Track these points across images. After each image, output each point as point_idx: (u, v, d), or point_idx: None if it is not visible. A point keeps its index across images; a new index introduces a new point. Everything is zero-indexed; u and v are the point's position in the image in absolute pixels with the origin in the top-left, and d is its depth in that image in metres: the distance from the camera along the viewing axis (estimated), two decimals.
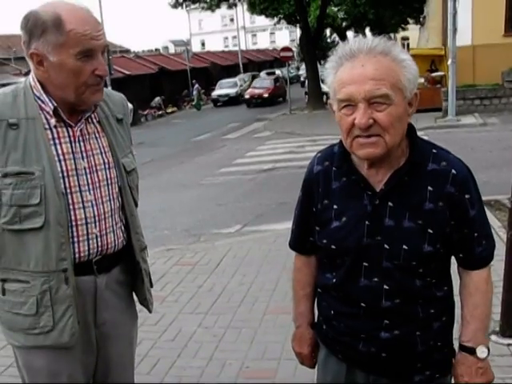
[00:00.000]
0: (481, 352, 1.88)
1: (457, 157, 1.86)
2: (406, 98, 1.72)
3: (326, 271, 1.98)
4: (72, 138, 2.12)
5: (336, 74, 1.73)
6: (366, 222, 1.81)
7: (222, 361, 4.06)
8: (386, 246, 1.80)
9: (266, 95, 34.36)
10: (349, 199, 1.86)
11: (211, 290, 5.50)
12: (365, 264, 1.84)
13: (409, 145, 1.83)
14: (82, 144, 2.14)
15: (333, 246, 1.89)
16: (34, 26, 1.97)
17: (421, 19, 38.05)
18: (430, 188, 1.78)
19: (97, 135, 2.20)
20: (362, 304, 1.86)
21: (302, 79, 43.12)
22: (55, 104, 2.07)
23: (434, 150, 1.84)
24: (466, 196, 1.79)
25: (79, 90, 2.03)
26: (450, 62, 18.12)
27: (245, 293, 5.32)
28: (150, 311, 2.49)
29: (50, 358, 2.16)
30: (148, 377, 3.89)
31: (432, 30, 28.72)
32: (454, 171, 1.79)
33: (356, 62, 1.69)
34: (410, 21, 43.47)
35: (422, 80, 21.29)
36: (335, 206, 1.89)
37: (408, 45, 57.34)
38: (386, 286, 1.82)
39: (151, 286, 2.50)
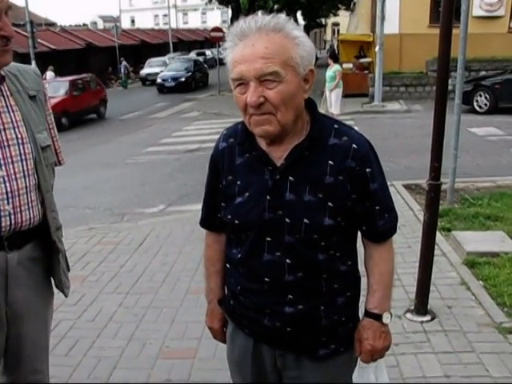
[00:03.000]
0: (386, 318, 1.95)
1: (359, 132, 1.90)
2: (299, 74, 1.73)
3: (232, 247, 2.00)
4: None
5: (231, 54, 1.74)
6: (268, 197, 1.82)
7: (143, 341, 4.04)
8: (287, 219, 1.81)
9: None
10: (251, 175, 1.87)
11: (133, 269, 5.44)
12: (267, 239, 1.85)
13: (310, 120, 1.86)
14: None
15: (236, 222, 1.91)
16: None
17: (351, 6, 38.54)
18: (330, 162, 1.80)
19: (9, 109, 2.13)
20: (266, 279, 1.88)
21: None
22: None
23: (336, 126, 1.86)
24: (367, 170, 1.82)
25: None
26: (377, 48, 18.52)
27: (167, 273, 5.29)
28: (65, 295, 2.42)
29: None
30: (66, 358, 3.81)
31: (361, 17, 29.19)
32: (354, 146, 1.81)
33: (247, 41, 1.69)
34: (341, 7, 44.06)
35: (351, 65, 21.67)
36: (239, 182, 1.90)
37: (338, 30, 58.21)
38: (288, 260, 1.84)
39: (68, 269, 2.44)
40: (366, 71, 21.24)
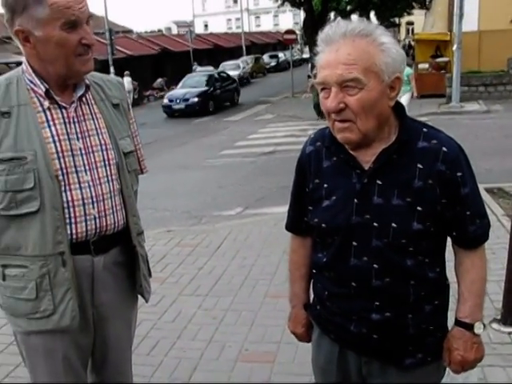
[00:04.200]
0: (478, 328, 1.89)
1: (448, 135, 1.85)
2: (383, 81, 1.71)
3: (318, 251, 1.99)
4: (66, 120, 2.12)
5: (318, 59, 1.76)
6: (355, 201, 1.81)
7: (222, 343, 4.06)
8: (374, 223, 1.80)
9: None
10: (339, 178, 1.87)
11: (211, 272, 5.49)
12: (354, 243, 1.84)
13: (398, 125, 1.83)
14: (77, 125, 2.14)
15: (323, 225, 1.90)
16: (15, 2, 1.97)
17: (426, 4, 37.73)
18: (419, 166, 1.77)
19: (93, 116, 2.20)
20: (353, 283, 1.86)
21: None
22: (47, 86, 2.07)
23: (425, 129, 1.83)
24: (458, 174, 1.78)
25: (68, 61, 2.02)
26: (455, 47, 18.01)
27: (245, 276, 5.31)
28: (145, 300, 2.45)
29: (46, 337, 2.16)
30: (148, 358, 3.89)
31: (438, 15, 28.51)
32: (444, 149, 1.78)
33: (332, 47, 1.70)
34: (416, 5, 43.19)
35: (427, 66, 21.22)
36: (326, 185, 1.90)
37: (413, 30, 57.11)
38: (375, 265, 1.82)
39: (150, 274, 2.47)
40: (443, 71, 20.73)
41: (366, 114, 1.70)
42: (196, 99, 23.89)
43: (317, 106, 16.60)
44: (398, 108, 1.84)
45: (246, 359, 3.84)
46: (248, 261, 5.71)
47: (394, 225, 1.77)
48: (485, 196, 7.23)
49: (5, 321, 4.10)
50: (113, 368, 2.41)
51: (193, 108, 23.62)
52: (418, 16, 48.84)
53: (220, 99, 25.54)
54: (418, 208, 1.77)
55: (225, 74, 28.86)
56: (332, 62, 1.69)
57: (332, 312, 1.97)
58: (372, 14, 41.90)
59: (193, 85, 25.45)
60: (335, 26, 1.73)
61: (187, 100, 23.81)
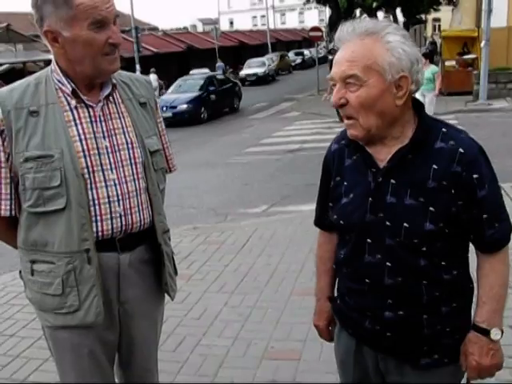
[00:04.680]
0: (495, 334, 1.85)
1: (469, 136, 1.84)
2: (386, 80, 1.73)
3: (339, 247, 2.04)
4: (93, 118, 2.14)
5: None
6: (370, 199, 1.84)
7: (248, 340, 4.08)
8: (387, 222, 1.81)
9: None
10: (357, 176, 1.90)
11: (237, 269, 5.51)
12: (368, 240, 1.87)
13: (417, 124, 1.85)
14: (103, 124, 2.16)
15: (341, 222, 1.95)
16: (44, 3, 2.00)
17: (454, 0, 37.34)
18: (434, 166, 1.77)
19: (120, 115, 2.22)
20: (367, 280, 1.90)
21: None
22: (73, 85, 2.10)
23: (444, 129, 1.83)
24: (474, 176, 1.76)
25: (95, 60, 2.05)
26: (483, 43, 17.77)
27: (271, 273, 5.32)
28: (171, 298, 2.46)
29: (72, 332, 2.20)
30: (174, 354, 3.93)
31: (465, 11, 28.15)
32: (461, 150, 1.76)
33: (344, 45, 1.78)
34: (442, 1, 42.77)
35: (454, 63, 20.98)
36: (345, 183, 1.94)
37: (439, 26, 56.55)
38: (388, 263, 1.84)
39: (175, 273, 2.49)
40: (470, 68, 20.48)
41: (365, 111, 1.75)
42: (185, 106, 20.69)
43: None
44: (418, 106, 1.86)
45: (271, 357, 3.85)
46: (274, 258, 5.71)
47: (405, 224, 1.78)
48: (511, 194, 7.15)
49: (32, 316, 4.19)
50: (139, 364, 2.43)
51: (181, 116, 20.38)
52: (444, 12, 48.34)
53: (216, 105, 22.22)
54: (431, 208, 1.76)
55: (222, 76, 25.73)
56: (339, 59, 1.77)
57: (350, 307, 2.02)
58: (398, 11, 41.60)
59: (185, 89, 22.44)
60: (347, 26, 1.78)
61: (175, 107, 20.66)
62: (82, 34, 2.00)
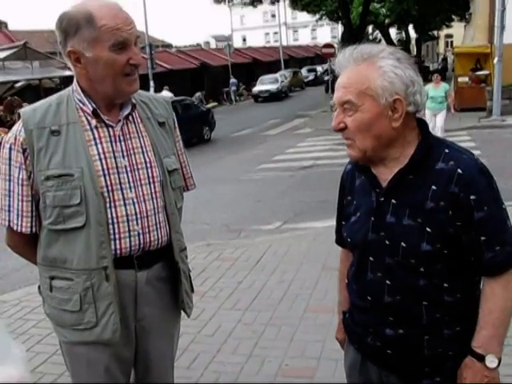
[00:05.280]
0: (490, 361, 1.80)
1: (471, 156, 1.83)
2: (381, 104, 1.77)
3: (351, 264, 2.09)
4: (113, 138, 2.18)
5: None
6: (372, 218, 1.89)
7: (262, 358, 4.07)
8: (387, 241, 1.85)
9: None
10: (363, 196, 1.96)
11: (251, 286, 5.51)
12: (371, 259, 1.92)
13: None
14: (122, 143, 2.20)
15: (349, 240, 2.02)
16: (68, 25, 2.05)
17: (466, 16, 37.39)
18: (433, 187, 1.78)
19: (139, 135, 2.26)
20: (368, 297, 1.94)
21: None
22: (94, 105, 2.15)
23: (447, 150, 1.83)
24: (472, 197, 1.74)
25: (116, 80, 2.09)
26: (496, 60, 17.80)
27: (285, 290, 5.30)
28: (187, 315, 2.47)
29: (89, 348, 2.22)
30: (188, 371, 3.92)
31: (478, 28, 28.14)
32: (459, 170, 1.76)
33: (342, 72, 1.84)
34: (455, 18, 42.82)
35: (467, 79, 20.97)
36: (355, 202, 2.00)
37: (452, 42, 56.58)
38: (388, 282, 1.87)
39: (192, 290, 2.50)
40: (483, 84, 20.47)
41: (362, 134, 1.80)
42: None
43: None
44: (423, 125, 1.89)
45: (285, 374, 3.84)
46: (287, 275, 5.70)
47: (403, 244, 1.81)
48: None
49: (47, 331, 4.22)
50: (155, 381, 2.44)
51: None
52: (457, 29, 48.43)
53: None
54: (428, 229, 1.77)
55: (188, 102, 22.24)
56: (337, 85, 1.84)
57: (355, 323, 2.06)
58: (410, 27, 41.72)
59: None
60: (347, 52, 1.84)
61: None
62: (104, 55, 2.04)
